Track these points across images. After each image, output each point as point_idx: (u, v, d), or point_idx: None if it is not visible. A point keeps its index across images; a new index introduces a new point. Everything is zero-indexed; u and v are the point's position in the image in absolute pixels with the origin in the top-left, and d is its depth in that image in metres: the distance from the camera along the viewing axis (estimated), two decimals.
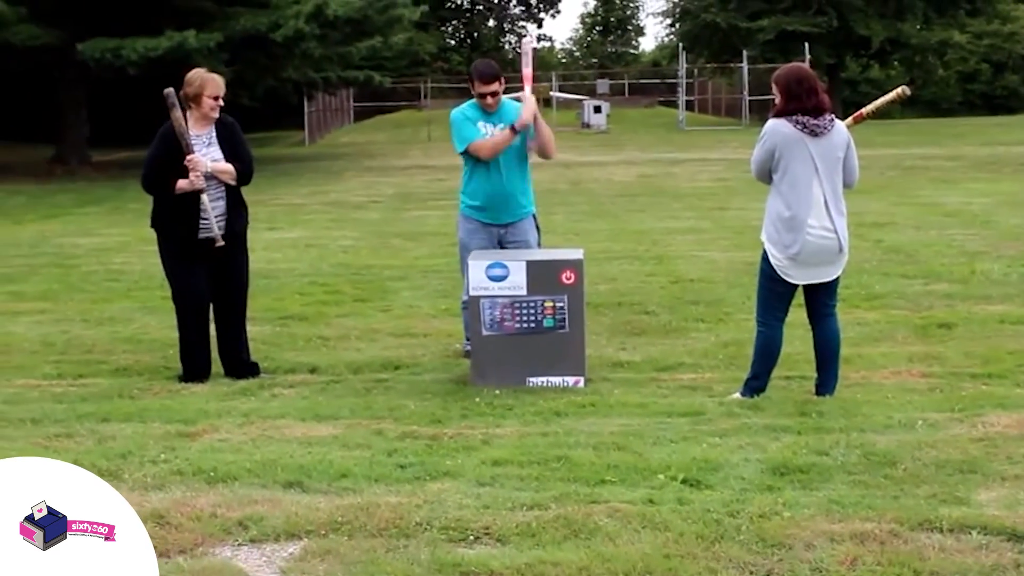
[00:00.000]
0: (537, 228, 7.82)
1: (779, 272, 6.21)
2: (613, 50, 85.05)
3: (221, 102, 7.09)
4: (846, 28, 52.09)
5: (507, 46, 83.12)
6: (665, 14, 61.09)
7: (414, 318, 9.30)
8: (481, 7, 79.81)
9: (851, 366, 7.14)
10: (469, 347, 7.35)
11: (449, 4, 77.58)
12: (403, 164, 30.88)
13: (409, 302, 10.05)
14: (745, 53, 49.08)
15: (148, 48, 25.86)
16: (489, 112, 7.53)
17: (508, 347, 6.89)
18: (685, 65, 50.07)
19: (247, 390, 6.95)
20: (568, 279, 6.91)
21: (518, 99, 7.75)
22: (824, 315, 6.41)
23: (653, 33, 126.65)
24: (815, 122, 6.09)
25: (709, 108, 57.23)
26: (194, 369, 7.25)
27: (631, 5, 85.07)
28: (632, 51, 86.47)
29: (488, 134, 7.49)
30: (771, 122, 6.17)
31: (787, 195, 6.13)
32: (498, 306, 6.91)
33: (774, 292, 6.30)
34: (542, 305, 6.92)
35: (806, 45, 47.78)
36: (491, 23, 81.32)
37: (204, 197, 7.00)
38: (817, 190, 6.15)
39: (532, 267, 6.95)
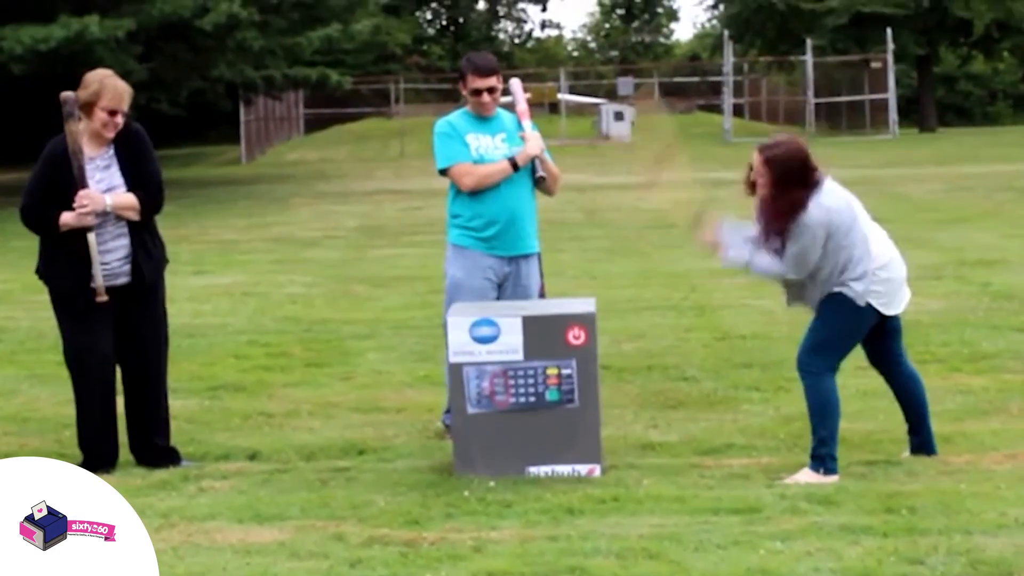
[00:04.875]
0: (540, 272, 7.94)
1: (873, 302, 6.61)
2: (639, 40, 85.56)
3: (119, 120, 7.06)
4: (940, 9, 52.47)
5: (502, 35, 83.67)
6: None
7: (383, 388, 9.30)
8: None
9: (952, 447, 7.14)
10: (450, 420, 7.37)
11: None
12: (368, 188, 30.99)
13: (377, 367, 10.05)
14: (809, 43, 49.40)
15: (37, 39, 25.97)
16: (483, 116, 7.70)
17: (501, 428, 6.89)
18: (732, 59, 50.38)
19: (166, 483, 6.93)
20: (576, 339, 6.92)
21: (508, 106, 7.87)
22: (899, 362, 7.00)
23: (690, 18, 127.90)
24: None
25: (763, 114, 57.52)
26: (98, 455, 7.22)
27: None
28: (663, 41, 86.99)
29: (478, 147, 7.65)
30: (817, 209, 6.56)
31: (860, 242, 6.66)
32: (487, 375, 6.91)
33: (847, 334, 6.72)
34: (543, 373, 6.92)
35: (888, 32, 48.11)
36: (481, 5, 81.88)
37: (91, 237, 6.99)
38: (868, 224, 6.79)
39: (530, 324, 6.95)
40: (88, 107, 7.02)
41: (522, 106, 7.86)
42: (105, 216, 7.05)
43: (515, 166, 7.60)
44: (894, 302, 6.75)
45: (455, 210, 7.77)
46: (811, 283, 6.66)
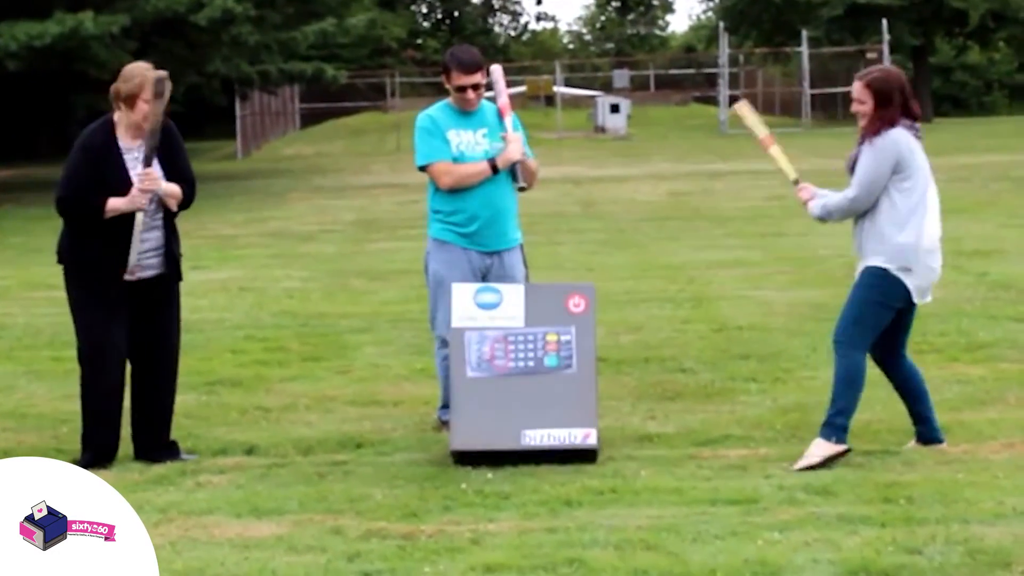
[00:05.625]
0: (524, 263, 7.92)
1: (907, 282, 6.83)
2: (634, 32, 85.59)
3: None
4: (935, 0, 52.44)
5: (497, 28, 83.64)
6: None
7: (380, 381, 9.30)
8: None
9: (950, 437, 7.14)
10: (447, 416, 7.37)
11: None
12: (365, 182, 30.97)
13: (374, 360, 10.05)
14: (805, 34, 49.38)
15: (32, 35, 25.92)
16: (467, 111, 7.64)
17: (499, 392, 6.96)
18: (727, 50, 50.35)
19: (164, 477, 6.93)
20: (577, 307, 7.01)
21: (491, 99, 7.85)
22: (903, 355, 7.13)
23: (685, 9, 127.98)
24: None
25: (759, 105, 57.41)
26: (99, 450, 7.21)
27: None
28: (659, 33, 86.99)
29: (459, 144, 7.61)
30: (901, 133, 6.81)
31: (920, 204, 6.95)
32: (488, 340, 6.99)
33: (882, 308, 6.86)
34: (543, 339, 7.01)
35: (884, 23, 48.09)
36: None
37: (140, 217, 7.05)
38: (934, 199, 7.08)
39: (532, 292, 7.08)
40: (131, 99, 7.07)
41: (503, 99, 7.76)
42: (151, 202, 7.12)
43: (495, 168, 7.56)
44: (926, 292, 6.93)
45: (436, 205, 7.75)
46: (867, 222, 6.87)
